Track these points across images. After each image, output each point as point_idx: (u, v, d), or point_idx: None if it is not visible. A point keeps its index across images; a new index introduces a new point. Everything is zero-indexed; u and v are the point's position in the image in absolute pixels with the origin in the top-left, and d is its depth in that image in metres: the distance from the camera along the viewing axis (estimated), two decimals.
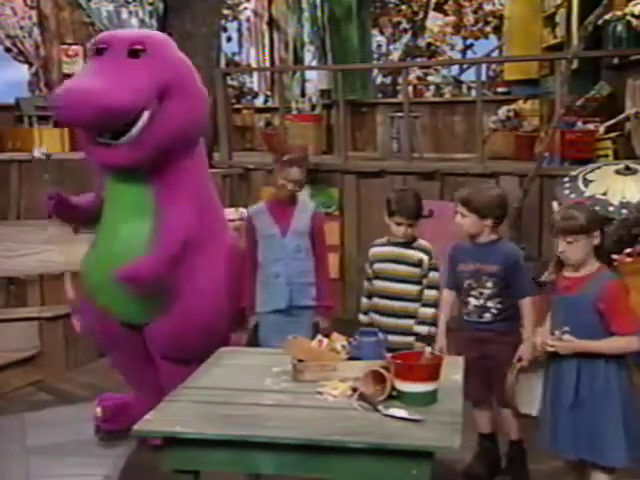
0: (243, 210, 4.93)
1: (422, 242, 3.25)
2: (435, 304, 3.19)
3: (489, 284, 3.00)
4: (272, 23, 10.63)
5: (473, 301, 3.04)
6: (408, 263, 3.21)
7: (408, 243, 3.22)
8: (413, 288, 3.20)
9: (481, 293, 3.02)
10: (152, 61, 3.06)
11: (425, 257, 3.20)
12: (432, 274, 3.20)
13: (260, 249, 3.46)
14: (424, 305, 3.19)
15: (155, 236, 3.08)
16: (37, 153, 2.94)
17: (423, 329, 3.16)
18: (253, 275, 3.46)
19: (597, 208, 2.99)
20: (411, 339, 3.16)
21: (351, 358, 2.42)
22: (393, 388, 2.12)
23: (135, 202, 3.15)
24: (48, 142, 8.55)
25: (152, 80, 3.01)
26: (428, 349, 2.24)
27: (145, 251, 3.02)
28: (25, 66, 10.30)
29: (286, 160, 3.46)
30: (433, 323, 3.18)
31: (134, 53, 3.05)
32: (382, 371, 2.14)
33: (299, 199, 3.53)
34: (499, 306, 3.01)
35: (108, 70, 2.97)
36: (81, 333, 3.78)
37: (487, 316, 3.03)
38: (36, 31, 10.13)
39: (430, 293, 3.19)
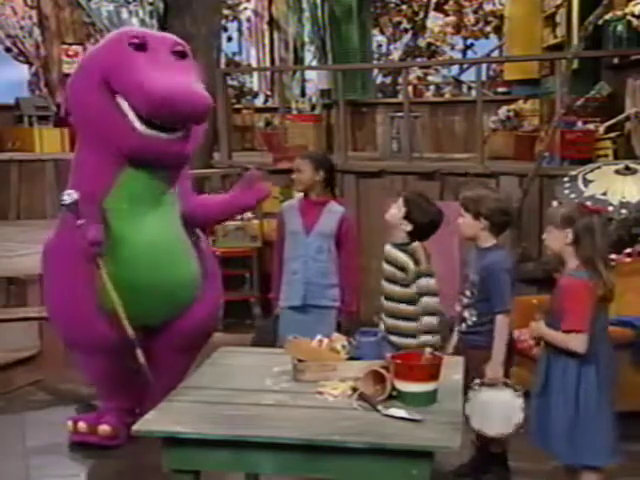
0: None
1: (414, 245, 3.06)
2: (432, 312, 2.99)
3: (467, 292, 2.97)
4: (272, 23, 10.62)
5: (457, 307, 3.03)
6: (393, 264, 3.15)
7: (403, 245, 3.11)
8: (399, 290, 3.08)
9: (460, 300, 3.00)
10: (192, 63, 3.19)
11: (408, 260, 3.02)
12: (421, 280, 2.98)
13: (286, 244, 3.54)
14: (424, 313, 3.00)
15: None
16: (67, 199, 2.78)
17: (427, 338, 2.96)
18: (279, 268, 3.51)
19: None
20: (408, 340, 3.11)
21: (351, 358, 2.42)
22: (393, 388, 2.12)
23: (162, 195, 3.16)
24: (48, 142, 8.56)
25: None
26: (428, 349, 2.24)
27: (181, 241, 3.22)
28: (25, 66, 10.30)
29: (299, 156, 3.67)
30: (436, 331, 3.01)
31: (179, 54, 3.11)
32: (382, 371, 2.14)
33: (330, 202, 3.56)
34: (474, 319, 2.95)
35: (181, 70, 3.01)
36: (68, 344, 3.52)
37: (463, 326, 3.00)
38: (36, 31, 10.12)
39: (426, 300, 3.00)
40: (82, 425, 3.37)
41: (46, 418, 3.81)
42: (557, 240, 2.61)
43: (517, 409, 2.73)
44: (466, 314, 2.98)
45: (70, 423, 3.41)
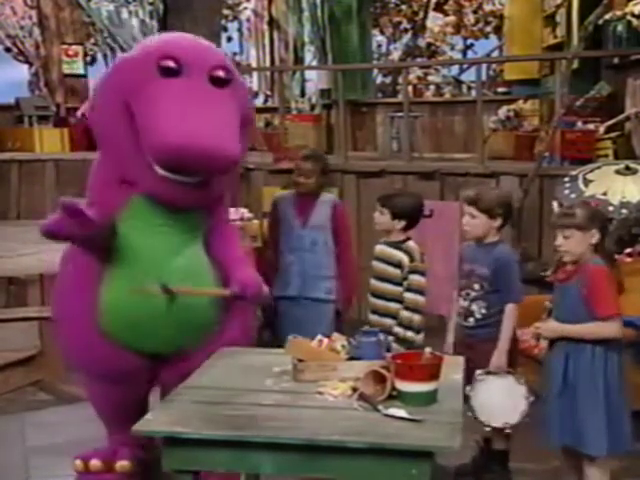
0: (243, 210, 4.95)
1: (410, 244, 3.18)
2: (415, 308, 3.11)
3: (476, 286, 2.98)
4: (272, 23, 10.63)
5: (461, 301, 3.03)
6: (388, 262, 3.18)
7: (396, 243, 3.19)
8: (393, 288, 3.15)
9: (468, 294, 3.00)
10: (236, 92, 2.65)
11: (405, 258, 3.12)
12: (412, 277, 3.10)
13: (281, 237, 3.54)
14: (405, 308, 3.12)
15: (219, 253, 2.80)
16: (155, 290, 2.61)
17: (399, 330, 3.11)
18: (273, 258, 3.54)
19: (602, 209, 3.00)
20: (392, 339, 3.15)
21: (351, 358, 2.42)
22: (393, 388, 2.12)
23: (186, 226, 2.74)
24: (48, 142, 8.56)
25: (238, 118, 2.62)
26: (428, 349, 2.24)
27: (208, 276, 2.76)
28: (25, 66, 10.30)
29: (299, 155, 3.60)
30: (411, 327, 3.11)
31: (218, 81, 2.59)
32: (382, 371, 2.14)
33: (322, 194, 3.58)
34: (483, 311, 2.96)
35: (214, 106, 2.51)
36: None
37: (471, 320, 3.00)
38: (36, 31, 10.13)
39: (409, 296, 3.11)
40: (96, 463, 2.90)
41: (46, 418, 3.81)
42: (581, 243, 2.56)
43: (521, 397, 2.74)
44: (474, 307, 2.98)
45: (79, 462, 2.92)
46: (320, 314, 3.47)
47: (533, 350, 3.22)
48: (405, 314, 3.12)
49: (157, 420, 2.06)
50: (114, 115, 2.60)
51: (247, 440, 1.95)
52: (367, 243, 5.07)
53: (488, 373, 2.80)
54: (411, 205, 3.23)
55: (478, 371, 2.79)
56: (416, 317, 3.12)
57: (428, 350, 2.22)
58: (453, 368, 2.36)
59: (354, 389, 2.17)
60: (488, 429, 2.85)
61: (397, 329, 3.13)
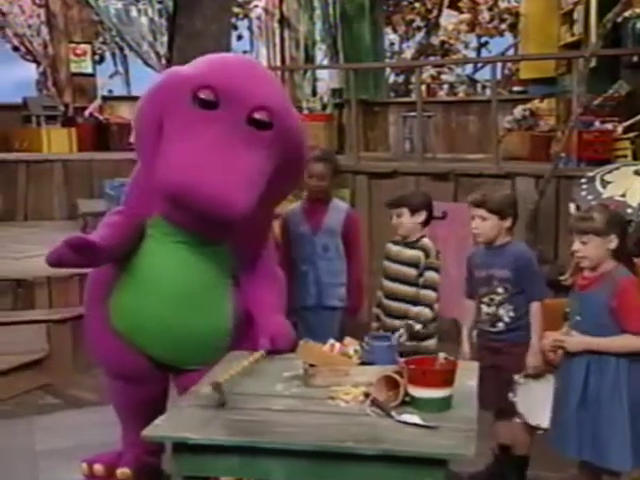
0: None
1: (425, 241, 3.24)
2: (431, 305, 3.16)
3: (500, 290, 2.98)
4: (283, 21, 10.64)
5: (485, 308, 3.03)
6: (403, 262, 3.21)
7: (410, 243, 3.22)
8: (408, 289, 3.19)
9: (492, 299, 3.00)
10: (279, 137, 2.50)
11: (422, 255, 3.18)
12: (428, 273, 3.17)
13: (292, 247, 3.54)
14: (423, 305, 3.16)
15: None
16: (211, 393, 2.46)
17: (417, 326, 3.14)
18: (287, 274, 3.51)
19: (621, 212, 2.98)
20: (420, 344, 3.17)
21: (363, 363, 2.42)
22: (406, 394, 2.12)
23: (204, 249, 2.70)
24: (56, 142, 8.61)
25: (274, 165, 2.51)
26: (442, 354, 2.24)
27: (222, 302, 2.74)
28: (33, 65, 10.37)
29: (310, 157, 3.52)
30: (425, 322, 3.14)
31: (257, 123, 2.46)
32: (395, 376, 2.14)
33: (333, 199, 3.59)
34: (511, 314, 2.97)
35: (243, 152, 2.39)
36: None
37: (500, 325, 2.99)
38: (44, 29, 10.20)
39: (426, 293, 3.16)
40: (99, 468, 2.96)
41: (55, 422, 3.82)
42: (600, 248, 2.54)
43: None
44: (501, 312, 2.98)
45: (85, 465, 3.01)
46: (331, 320, 3.48)
47: (549, 355, 3.21)
48: (415, 309, 3.15)
49: (166, 425, 2.07)
50: (149, 128, 2.56)
51: (257, 446, 1.96)
52: (379, 245, 5.07)
53: (527, 376, 2.80)
54: (424, 197, 3.32)
55: (516, 376, 2.79)
56: (426, 311, 3.15)
57: (442, 355, 2.22)
58: (467, 374, 2.36)
59: (366, 395, 2.17)
60: (541, 432, 2.85)
61: (413, 323, 3.15)
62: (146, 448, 2.92)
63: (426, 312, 3.15)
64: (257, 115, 2.45)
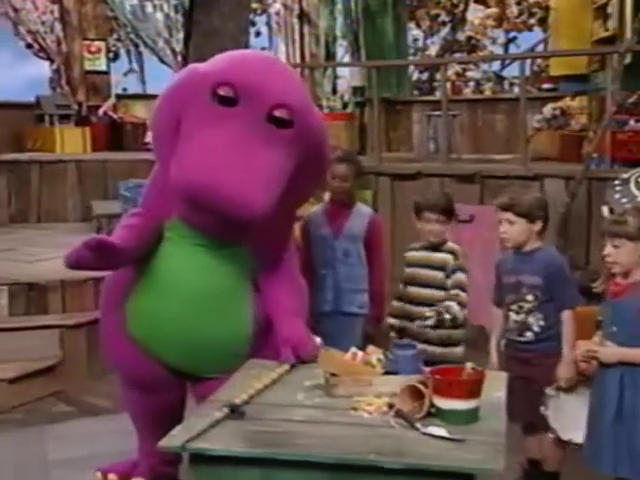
0: None
1: (451, 244, 3.26)
2: (462, 303, 3.14)
3: (529, 297, 2.96)
4: (303, 16, 10.68)
5: (513, 316, 3.01)
6: (431, 267, 3.23)
7: (437, 246, 3.23)
8: (436, 293, 3.20)
9: (521, 307, 2.98)
10: (300, 135, 2.52)
11: (449, 257, 3.21)
12: (456, 274, 3.18)
13: (313, 252, 3.56)
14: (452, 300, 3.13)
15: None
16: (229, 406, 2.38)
17: (446, 315, 3.09)
18: (306, 277, 3.53)
19: None
20: (446, 350, 3.17)
21: (387, 372, 2.42)
22: (432, 405, 2.12)
23: (223, 251, 2.72)
24: (69, 142, 8.70)
25: (294, 164, 2.53)
26: (469, 364, 2.23)
27: (240, 305, 2.75)
28: (46, 63, 10.48)
29: (333, 158, 3.55)
30: (449, 311, 3.09)
31: (277, 121, 2.48)
32: (420, 387, 2.14)
33: (357, 203, 3.61)
34: (541, 323, 2.95)
35: (260, 150, 2.41)
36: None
37: (529, 335, 2.97)
38: (58, 26, 10.30)
39: (455, 292, 3.15)
40: (113, 478, 3.01)
41: (68, 431, 3.86)
42: (632, 254, 2.53)
43: None
44: (531, 320, 2.96)
45: (99, 475, 3.04)
46: (350, 328, 3.49)
47: (581, 365, 3.19)
48: (446, 303, 3.11)
49: (184, 435, 2.08)
50: (167, 127, 2.58)
51: (277, 458, 1.96)
52: (401, 250, 5.06)
53: (559, 389, 2.78)
54: (448, 198, 3.33)
55: (548, 389, 2.77)
56: (456, 307, 3.11)
57: (469, 365, 2.21)
58: (495, 384, 2.35)
59: (390, 405, 2.17)
60: (576, 447, 2.82)
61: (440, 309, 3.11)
62: (162, 458, 2.93)
63: (455, 307, 3.11)
64: (277, 113, 2.47)
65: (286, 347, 2.61)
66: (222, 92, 2.45)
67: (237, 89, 2.46)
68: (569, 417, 2.74)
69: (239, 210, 2.41)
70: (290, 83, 2.67)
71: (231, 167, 2.37)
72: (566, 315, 2.92)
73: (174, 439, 2.07)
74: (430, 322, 3.06)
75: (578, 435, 2.73)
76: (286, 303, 2.79)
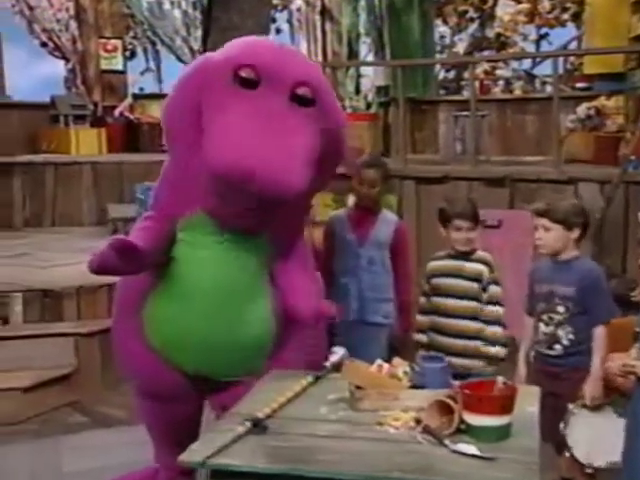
0: None
1: (481, 253, 3.25)
2: (499, 322, 3.16)
3: (560, 308, 2.95)
4: (325, 13, 10.72)
5: (542, 327, 3.00)
6: (465, 277, 3.21)
7: (466, 255, 3.22)
8: (472, 305, 3.19)
9: (551, 318, 2.97)
10: (322, 113, 2.60)
11: (484, 269, 3.19)
12: (492, 288, 3.18)
13: (336, 257, 3.56)
14: (486, 322, 3.17)
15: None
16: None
17: (490, 350, 3.16)
18: (326, 282, 3.53)
19: None
20: (477, 362, 3.16)
21: (414, 386, 2.42)
22: (461, 421, 2.11)
23: (245, 245, 2.75)
24: (85, 143, 8.77)
25: (319, 142, 2.59)
26: (500, 378, 2.22)
27: (260, 299, 2.80)
28: (61, 62, 10.61)
29: (360, 162, 3.57)
30: (502, 343, 3.15)
31: (299, 99, 2.55)
32: (449, 401, 2.13)
33: (382, 210, 3.61)
34: (571, 337, 2.93)
35: (287, 128, 2.48)
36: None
37: (558, 348, 2.96)
38: (73, 24, 10.42)
39: (491, 309, 3.18)
40: None
41: (83, 442, 3.89)
42: None
43: (622, 433, 2.64)
44: (560, 333, 2.95)
45: None
46: (375, 338, 3.48)
47: (616, 380, 3.15)
48: (490, 329, 3.16)
49: (204, 450, 2.09)
50: (184, 117, 2.64)
51: (300, 474, 1.96)
52: (427, 258, 5.06)
53: (584, 406, 2.75)
54: (473, 203, 3.33)
55: (571, 405, 2.74)
56: (500, 331, 3.16)
57: (501, 379, 2.20)
58: (528, 399, 2.33)
59: (417, 421, 2.16)
60: (590, 470, 2.80)
61: (486, 348, 3.16)
62: (180, 469, 2.89)
63: (499, 332, 3.15)
64: (300, 91, 2.54)
65: (305, 307, 2.70)
66: (244, 74, 2.51)
67: (259, 70, 2.52)
68: (589, 438, 2.69)
69: (278, 188, 2.45)
70: (308, 63, 2.82)
71: (267, 146, 2.42)
72: (599, 331, 2.90)
73: (194, 454, 2.08)
74: (490, 370, 3.08)
75: (597, 458, 2.69)
76: (302, 286, 2.84)
